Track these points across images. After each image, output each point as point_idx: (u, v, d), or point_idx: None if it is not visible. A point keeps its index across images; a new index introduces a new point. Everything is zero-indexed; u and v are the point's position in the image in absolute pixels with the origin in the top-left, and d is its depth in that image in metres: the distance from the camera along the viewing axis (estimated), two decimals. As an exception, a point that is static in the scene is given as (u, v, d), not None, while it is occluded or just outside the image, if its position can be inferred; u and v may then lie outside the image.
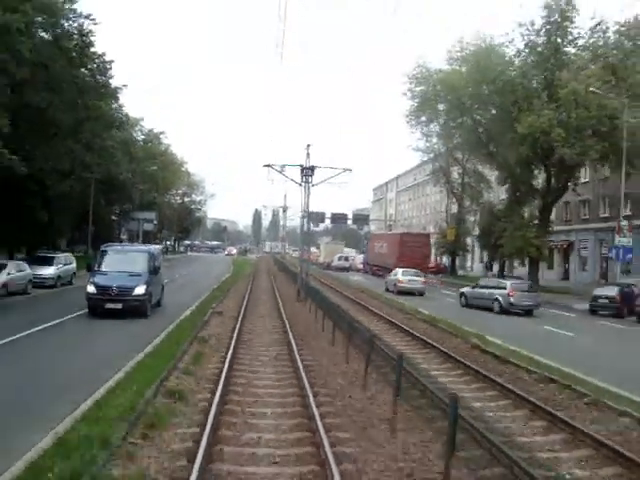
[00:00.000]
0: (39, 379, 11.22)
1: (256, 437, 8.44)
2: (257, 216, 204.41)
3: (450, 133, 47.92)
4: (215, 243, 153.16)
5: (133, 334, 16.65)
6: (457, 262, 65.87)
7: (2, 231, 32.13)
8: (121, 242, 58.04)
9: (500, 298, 28.56)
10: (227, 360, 13.03)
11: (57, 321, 18.20)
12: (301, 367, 12.72)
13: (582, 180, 48.06)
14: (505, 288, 28.98)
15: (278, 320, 21.57)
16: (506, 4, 58.17)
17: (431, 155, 59.96)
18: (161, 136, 79.63)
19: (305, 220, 37.17)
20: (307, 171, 30.89)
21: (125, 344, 14.93)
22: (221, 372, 11.85)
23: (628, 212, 40.55)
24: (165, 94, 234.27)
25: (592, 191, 49.19)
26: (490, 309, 28.86)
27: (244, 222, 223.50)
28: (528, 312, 28.23)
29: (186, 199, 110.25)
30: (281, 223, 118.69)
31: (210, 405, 9.40)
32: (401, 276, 37.43)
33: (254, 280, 42.99)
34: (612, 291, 29.03)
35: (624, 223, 32.88)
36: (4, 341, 14.41)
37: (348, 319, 15.74)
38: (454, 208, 64.97)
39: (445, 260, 69.13)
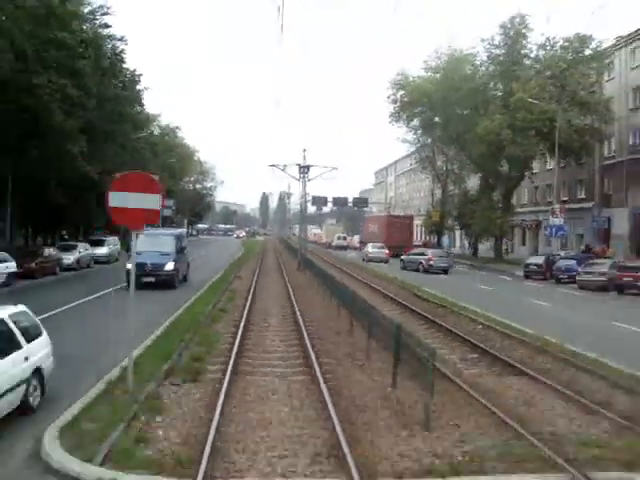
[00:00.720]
0: (137, 315, 19.68)
1: (267, 323, 17.09)
2: (264, 199, 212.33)
3: (428, 129, 56.27)
4: (227, 226, 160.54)
5: (176, 296, 22.52)
6: (446, 240, 74.14)
7: (66, 218, 41.11)
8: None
9: (423, 262, 40.36)
10: (249, 299, 21.55)
11: (119, 286, 22.05)
12: (295, 302, 21.19)
13: (548, 167, 56.17)
14: (427, 255, 41.12)
15: (282, 281, 30.19)
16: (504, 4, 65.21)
17: (418, 145, 68.03)
18: (176, 130, 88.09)
19: (304, 207, 45.96)
20: (303, 169, 39.50)
21: (176, 298, 22.78)
22: (245, 304, 20.35)
23: (565, 197, 48.95)
24: (167, 89, 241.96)
25: (554, 177, 57.25)
26: (417, 270, 40.09)
27: (251, 205, 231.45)
28: (445, 271, 39.79)
29: (197, 186, 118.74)
30: (288, 207, 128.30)
31: (241, 316, 17.79)
32: (370, 249, 51.90)
33: (263, 257, 51.64)
34: (540, 259, 37.54)
35: (556, 206, 41.23)
36: (94, 296, 22.12)
37: (329, 277, 24.25)
38: (440, 193, 73.09)
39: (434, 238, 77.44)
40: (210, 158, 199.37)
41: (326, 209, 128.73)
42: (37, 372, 8.69)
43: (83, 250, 34.38)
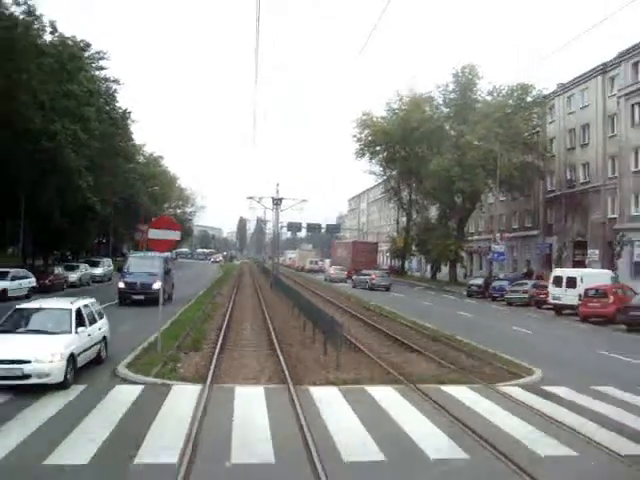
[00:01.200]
0: (146, 318, 25.22)
1: (243, 324, 22.84)
2: (242, 224, 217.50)
3: (391, 164, 62.80)
4: (208, 250, 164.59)
5: (169, 309, 28.25)
6: (415, 264, 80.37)
7: (66, 240, 46.89)
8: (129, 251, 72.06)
9: (368, 281, 48.92)
10: (229, 308, 27.23)
11: (115, 302, 27.64)
12: (265, 310, 26.92)
13: (501, 199, 62.77)
14: (371, 275, 49.83)
15: (256, 296, 35.98)
16: (474, 47, 73.24)
17: (384, 177, 74.47)
18: (159, 159, 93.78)
19: (277, 236, 52.08)
20: (277, 201, 45.57)
21: (170, 309, 28.46)
22: (226, 312, 25.97)
23: (515, 226, 55.42)
24: (149, 119, 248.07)
25: (496, 209, 63.99)
26: (364, 288, 47.98)
27: (228, 229, 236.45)
28: (386, 288, 47.92)
29: (178, 211, 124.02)
30: (265, 232, 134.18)
31: (223, 320, 23.43)
32: (332, 270, 61.02)
33: (240, 278, 57.27)
34: (479, 281, 43.75)
35: (497, 235, 47.68)
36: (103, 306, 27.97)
37: (294, 292, 30.08)
38: (405, 221, 79.52)
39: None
40: (189, 183, 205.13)
41: (303, 234, 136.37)
42: (104, 339, 14.37)
43: (84, 270, 39.84)
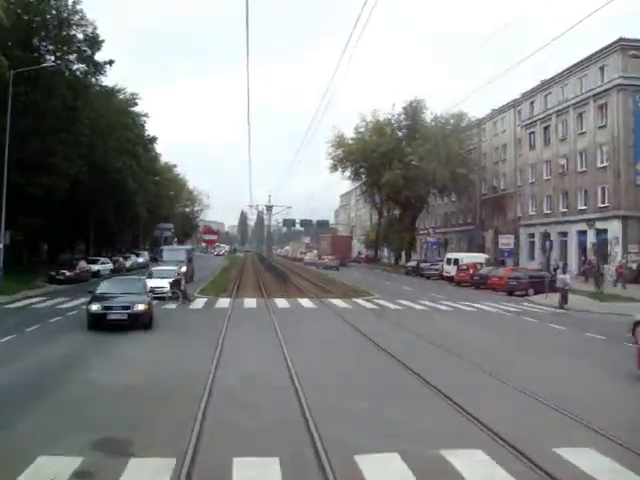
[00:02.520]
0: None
1: (246, 285, 40.91)
2: (243, 218, 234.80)
3: (358, 175, 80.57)
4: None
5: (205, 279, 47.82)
6: (382, 253, 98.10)
7: (117, 240, 64.98)
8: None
9: (326, 262, 67.08)
10: (238, 280, 45.10)
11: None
12: (259, 278, 44.83)
13: (442, 202, 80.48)
14: (327, 259, 67.94)
15: (254, 274, 53.87)
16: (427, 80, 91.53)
17: (359, 183, 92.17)
18: (173, 168, 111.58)
19: (269, 234, 70.04)
20: (269, 208, 63.51)
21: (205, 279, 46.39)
22: (236, 280, 43.82)
23: (461, 221, 73.35)
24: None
25: (449, 208, 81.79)
26: (324, 268, 65.92)
27: (229, 223, 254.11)
28: (337, 268, 65.80)
29: (187, 209, 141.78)
30: (266, 226, 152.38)
31: (235, 282, 41.27)
32: (307, 257, 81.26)
33: (243, 265, 75.21)
34: (414, 263, 61.51)
35: (430, 229, 65.55)
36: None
37: (278, 268, 47.86)
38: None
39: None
40: (194, 184, 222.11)
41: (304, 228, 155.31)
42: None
43: (143, 257, 57.81)
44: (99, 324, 18.13)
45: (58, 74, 38.86)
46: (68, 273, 38.12)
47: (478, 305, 30.36)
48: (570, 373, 14.13)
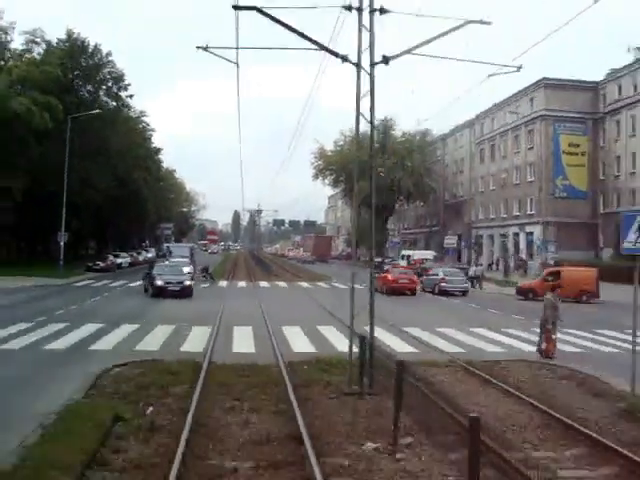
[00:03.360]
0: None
1: (239, 272, 53.12)
2: (236, 217, 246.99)
3: (338, 183, 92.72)
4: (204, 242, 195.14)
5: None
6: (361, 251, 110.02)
7: (132, 238, 77.22)
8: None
9: (305, 258, 76.98)
10: (233, 271, 57.28)
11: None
12: (250, 270, 57.03)
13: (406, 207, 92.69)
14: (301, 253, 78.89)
15: (246, 267, 66.06)
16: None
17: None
18: (173, 172, 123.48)
19: (259, 236, 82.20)
20: (257, 212, 75.61)
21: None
22: (231, 271, 55.97)
23: (429, 223, 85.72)
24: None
25: (418, 211, 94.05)
26: (301, 262, 76.94)
27: (223, 221, 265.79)
28: (312, 262, 77.86)
29: (184, 209, 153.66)
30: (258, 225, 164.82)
31: (230, 272, 53.46)
32: (290, 254, 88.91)
33: (236, 261, 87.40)
34: (379, 259, 73.68)
35: (395, 231, 77.74)
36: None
37: (266, 262, 60.12)
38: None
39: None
40: (190, 184, 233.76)
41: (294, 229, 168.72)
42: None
43: (151, 253, 69.86)
44: (161, 293, 30.00)
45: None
46: (102, 264, 50.17)
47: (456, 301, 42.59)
48: (423, 315, 26.32)
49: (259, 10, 11.34)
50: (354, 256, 16.68)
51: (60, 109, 44.70)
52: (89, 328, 18.94)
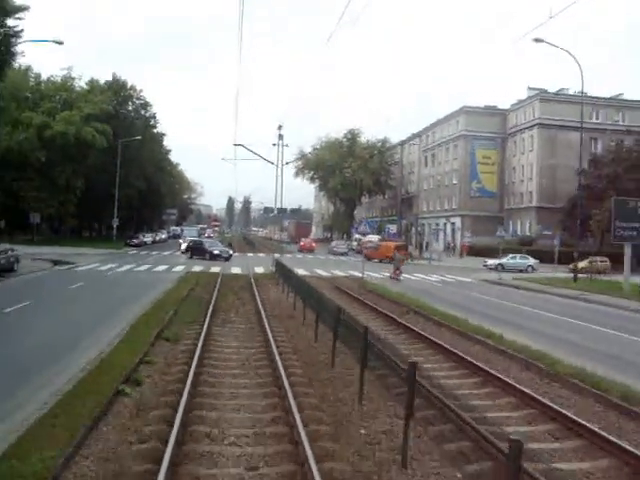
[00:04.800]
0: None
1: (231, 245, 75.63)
2: (230, 203, 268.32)
3: (314, 180, 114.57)
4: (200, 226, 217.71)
5: None
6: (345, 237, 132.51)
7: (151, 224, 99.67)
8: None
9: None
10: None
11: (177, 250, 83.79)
12: (241, 246, 79.16)
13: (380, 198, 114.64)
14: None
15: (238, 245, 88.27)
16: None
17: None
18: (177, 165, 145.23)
19: (249, 222, 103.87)
20: (247, 203, 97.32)
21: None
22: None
23: (392, 213, 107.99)
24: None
25: (381, 203, 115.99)
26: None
27: (217, 206, 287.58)
28: (288, 243, 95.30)
29: (184, 196, 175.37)
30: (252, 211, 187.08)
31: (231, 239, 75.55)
32: (275, 236, 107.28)
33: (231, 242, 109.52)
34: (354, 242, 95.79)
35: (359, 219, 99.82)
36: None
37: (253, 242, 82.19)
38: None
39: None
40: (189, 172, 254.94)
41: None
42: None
43: (164, 235, 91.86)
44: (213, 258, 52.39)
45: (132, 130, 72.75)
46: (136, 241, 72.15)
47: (343, 258, 64.87)
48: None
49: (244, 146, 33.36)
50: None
51: (110, 133, 66.48)
52: (164, 267, 41.14)
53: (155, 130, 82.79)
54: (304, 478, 7.19)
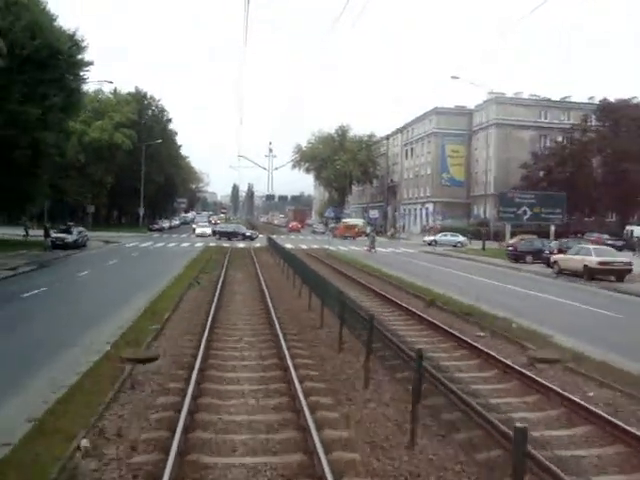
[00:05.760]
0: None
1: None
2: (235, 190, 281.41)
3: (311, 171, 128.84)
4: (206, 213, 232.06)
5: None
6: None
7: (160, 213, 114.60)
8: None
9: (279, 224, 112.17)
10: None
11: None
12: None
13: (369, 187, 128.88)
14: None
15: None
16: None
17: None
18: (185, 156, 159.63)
19: (252, 209, 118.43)
20: (250, 192, 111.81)
21: None
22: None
23: (380, 199, 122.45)
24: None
25: (370, 190, 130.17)
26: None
27: (222, 193, 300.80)
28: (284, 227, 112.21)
29: (192, 185, 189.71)
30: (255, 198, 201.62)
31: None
32: (275, 221, 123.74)
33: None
34: (333, 225, 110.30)
35: (348, 204, 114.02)
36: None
37: (255, 226, 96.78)
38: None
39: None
40: (197, 163, 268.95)
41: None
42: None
43: (178, 222, 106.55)
44: (244, 239, 67.32)
45: (152, 133, 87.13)
46: (157, 227, 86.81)
47: (319, 237, 79.72)
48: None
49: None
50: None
51: (135, 137, 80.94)
52: (187, 244, 55.80)
53: (170, 129, 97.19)
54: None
